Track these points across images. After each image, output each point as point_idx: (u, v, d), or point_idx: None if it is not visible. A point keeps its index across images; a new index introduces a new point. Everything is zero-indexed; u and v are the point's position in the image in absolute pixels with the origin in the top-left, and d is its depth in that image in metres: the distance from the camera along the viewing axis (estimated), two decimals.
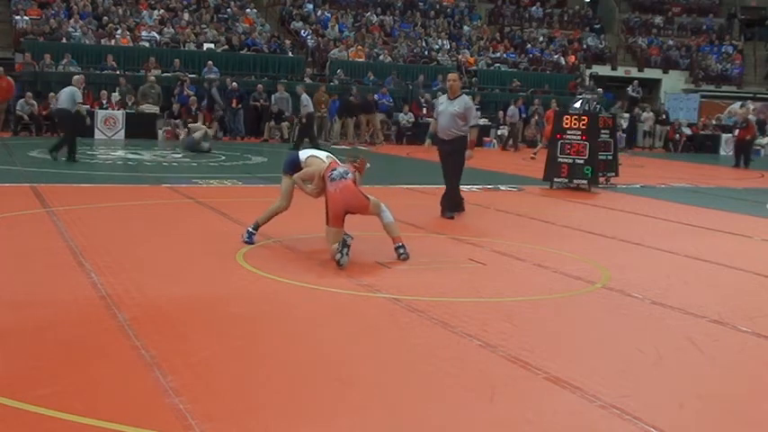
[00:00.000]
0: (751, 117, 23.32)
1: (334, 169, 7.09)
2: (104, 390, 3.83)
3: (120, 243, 7.30)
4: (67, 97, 14.61)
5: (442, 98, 10.18)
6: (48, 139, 19.20)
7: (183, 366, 4.16)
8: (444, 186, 9.94)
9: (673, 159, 23.84)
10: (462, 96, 9.87)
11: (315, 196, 7.48)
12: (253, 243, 7.43)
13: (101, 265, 6.28)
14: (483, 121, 25.82)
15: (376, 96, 24.14)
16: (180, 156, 16.93)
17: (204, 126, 19.36)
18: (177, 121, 20.96)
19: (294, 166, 7.59)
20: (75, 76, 15.55)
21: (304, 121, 19.77)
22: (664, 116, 28.65)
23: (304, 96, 19.74)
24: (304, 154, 7.63)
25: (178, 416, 3.54)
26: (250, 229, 7.56)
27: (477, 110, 21.88)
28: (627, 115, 26.60)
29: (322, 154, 7.61)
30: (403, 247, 7.07)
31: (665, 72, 33.52)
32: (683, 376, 4.46)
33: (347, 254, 6.58)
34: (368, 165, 7.82)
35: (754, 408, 4.10)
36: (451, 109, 9.67)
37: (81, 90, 15.17)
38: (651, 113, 28.34)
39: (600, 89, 27.59)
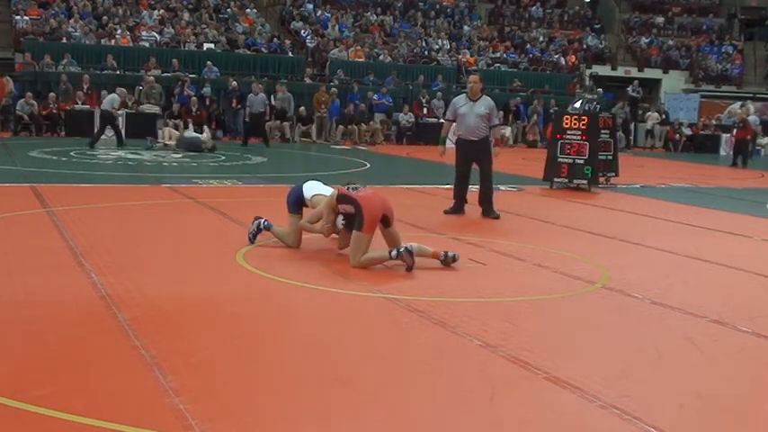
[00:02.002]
0: (752, 118, 23.39)
1: (347, 186, 6.93)
2: (104, 390, 3.82)
3: (120, 243, 7.30)
4: (108, 101, 18.06)
5: (461, 99, 10.10)
6: (47, 139, 19.24)
7: (182, 366, 4.15)
8: (453, 187, 10.19)
9: (673, 159, 23.84)
10: (485, 97, 10.04)
11: (326, 234, 7.20)
12: (253, 243, 7.42)
13: (101, 265, 6.27)
14: None
15: (375, 96, 24.16)
16: (180, 156, 16.93)
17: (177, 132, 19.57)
18: (177, 121, 20.95)
19: (299, 203, 7.40)
20: (120, 89, 18.92)
21: (246, 119, 20.85)
22: (664, 116, 28.68)
23: (260, 96, 20.49)
24: (309, 191, 7.36)
25: (178, 416, 3.54)
26: (262, 225, 7.38)
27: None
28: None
29: (325, 189, 7.35)
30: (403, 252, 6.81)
31: (665, 72, 33.51)
32: (683, 376, 4.45)
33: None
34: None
35: (754, 408, 4.10)
36: (477, 110, 9.81)
37: (124, 98, 19.16)
38: (656, 113, 28.44)
39: (600, 89, 27.61)
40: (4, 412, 3.51)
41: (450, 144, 10.75)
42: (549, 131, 16.20)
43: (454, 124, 10.38)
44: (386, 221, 6.85)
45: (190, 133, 19.17)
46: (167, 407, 3.63)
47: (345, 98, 23.73)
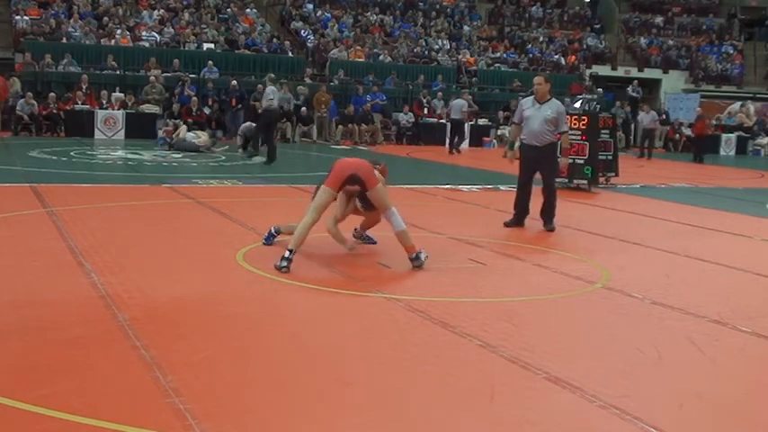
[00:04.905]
0: (697, 116, 24.78)
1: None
2: (104, 390, 3.82)
3: (120, 243, 7.29)
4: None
5: (528, 102, 9.34)
6: (47, 139, 19.24)
7: (182, 366, 4.15)
8: (516, 192, 9.49)
9: (673, 159, 23.85)
10: (553, 100, 9.31)
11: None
12: (270, 243, 7.36)
13: (101, 265, 6.27)
14: (483, 121, 25.92)
15: (368, 97, 24.16)
16: (180, 156, 16.93)
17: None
18: (177, 120, 20.96)
19: None
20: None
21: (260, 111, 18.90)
22: (664, 116, 28.65)
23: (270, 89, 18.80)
24: None
25: (178, 416, 3.54)
26: (273, 230, 7.39)
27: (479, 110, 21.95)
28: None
29: None
30: (418, 258, 6.74)
31: (665, 72, 33.52)
32: (683, 376, 4.45)
33: (287, 265, 6.37)
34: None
35: (753, 408, 4.10)
36: (544, 113, 9.16)
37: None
38: (653, 113, 28.39)
39: (600, 89, 27.60)
40: (4, 412, 3.51)
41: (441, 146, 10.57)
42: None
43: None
44: (353, 181, 6.73)
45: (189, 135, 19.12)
46: (167, 407, 3.63)
47: (347, 99, 23.75)
